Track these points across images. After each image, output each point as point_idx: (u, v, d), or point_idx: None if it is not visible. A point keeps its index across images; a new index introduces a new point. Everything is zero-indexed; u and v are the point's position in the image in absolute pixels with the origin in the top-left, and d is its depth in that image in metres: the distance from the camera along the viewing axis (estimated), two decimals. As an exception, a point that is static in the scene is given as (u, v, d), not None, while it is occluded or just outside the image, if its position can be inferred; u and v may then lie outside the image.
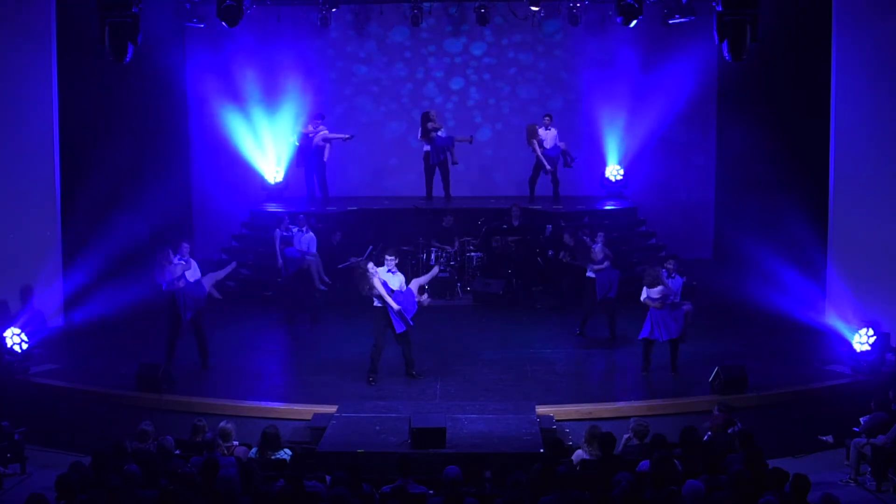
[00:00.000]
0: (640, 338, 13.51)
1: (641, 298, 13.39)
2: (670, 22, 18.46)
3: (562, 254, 16.30)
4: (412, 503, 9.24)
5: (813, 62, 15.92)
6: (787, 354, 14.45)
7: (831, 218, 15.30)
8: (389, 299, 12.94)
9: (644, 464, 9.61)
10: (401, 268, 13.56)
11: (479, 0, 19.13)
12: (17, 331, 13.99)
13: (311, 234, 16.29)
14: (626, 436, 10.82)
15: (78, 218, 15.94)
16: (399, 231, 17.81)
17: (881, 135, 14.65)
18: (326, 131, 19.14)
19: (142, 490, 8.97)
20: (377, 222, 18.66)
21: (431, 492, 9.39)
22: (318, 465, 10.55)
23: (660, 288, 13.22)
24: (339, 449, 10.96)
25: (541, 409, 12.17)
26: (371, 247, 16.15)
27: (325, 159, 19.15)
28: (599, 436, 10.19)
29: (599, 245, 14.91)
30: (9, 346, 13.84)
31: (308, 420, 12.13)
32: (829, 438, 12.28)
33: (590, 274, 14.85)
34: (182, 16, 18.59)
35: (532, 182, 19.43)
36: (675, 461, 9.61)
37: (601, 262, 14.78)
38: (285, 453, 10.53)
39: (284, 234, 16.27)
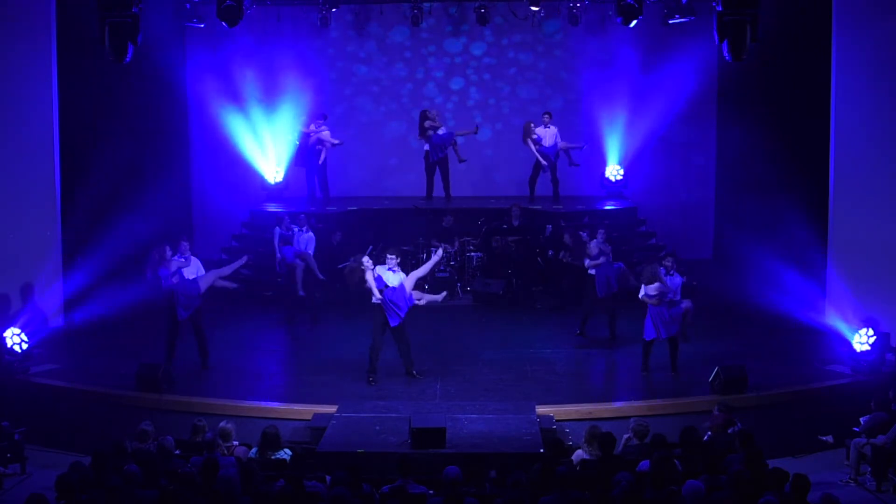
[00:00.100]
0: (645, 338, 13.49)
1: (640, 296, 13.40)
2: (670, 22, 18.45)
3: (562, 254, 16.31)
4: (412, 503, 9.24)
5: (813, 62, 15.92)
6: (787, 354, 14.45)
7: (831, 218, 15.29)
8: (375, 290, 12.95)
9: (644, 464, 9.61)
10: (402, 268, 13.56)
11: (479, 0, 19.14)
12: (17, 331, 13.99)
13: (311, 233, 16.31)
14: (626, 436, 10.82)
15: (78, 218, 15.93)
16: (399, 231, 17.80)
17: (881, 135, 14.65)
18: (328, 132, 19.15)
19: (142, 490, 8.97)
20: (377, 222, 18.66)
21: (431, 492, 9.39)
22: (318, 465, 10.55)
23: (656, 285, 13.23)
24: (339, 449, 10.96)
25: (541, 409, 12.17)
26: (371, 247, 16.17)
27: (320, 161, 19.17)
28: (599, 436, 10.19)
29: (595, 241, 14.93)
30: (9, 346, 13.85)
31: (308, 420, 12.13)
32: (829, 438, 12.28)
33: (591, 271, 14.86)
34: (182, 16, 18.58)
35: (532, 182, 19.43)
36: (675, 461, 9.61)
37: (596, 258, 14.78)
38: (285, 453, 10.53)
39: (285, 233, 16.29)
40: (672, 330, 13.33)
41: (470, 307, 17.36)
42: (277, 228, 16.40)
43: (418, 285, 14.21)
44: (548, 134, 19.07)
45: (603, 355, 14.79)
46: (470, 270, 17.96)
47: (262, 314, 16.71)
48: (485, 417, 11.86)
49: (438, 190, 19.69)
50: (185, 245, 13.72)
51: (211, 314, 14.33)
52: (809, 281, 15.65)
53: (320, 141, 19.08)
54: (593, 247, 14.86)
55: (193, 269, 13.66)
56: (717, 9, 12.03)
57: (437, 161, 19.39)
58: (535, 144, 18.96)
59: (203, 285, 13.63)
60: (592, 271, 14.83)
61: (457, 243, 17.91)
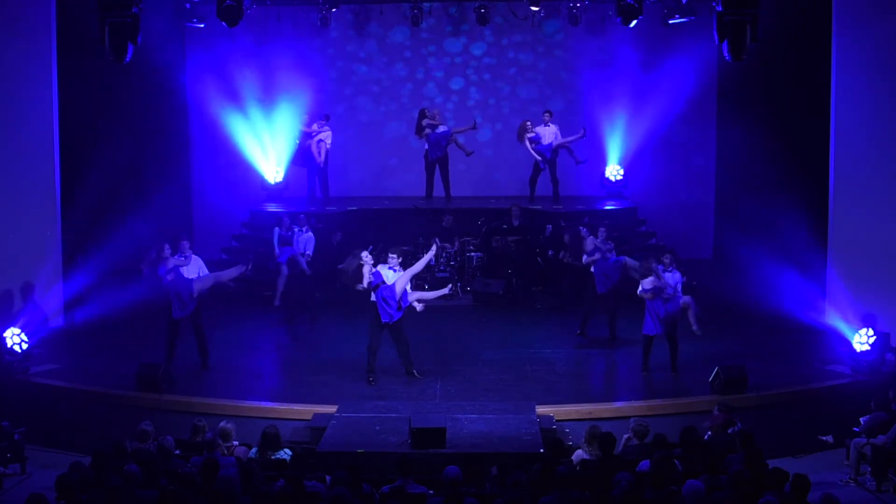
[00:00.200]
0: (644, 333, 13.48)
1: (638, 291, 13.41)
2: (670, 22, 18.45)
3: (562, 254, 16.31)
4: (412, 503, 9.24)
5: (813, 62, 15.92)
6: (787, 354, 14.44)
7: (831, 218, 15.30)
8: (364, 283, 12.97)
9: (644, 464, 9.61)
10: (403, 268, 13.56)
11: (479, 0, 19.14)
12: (18, 331, 13.99)
13: (311, 233, 16.32)
14: (626, 436, 10.82)
15: (78, 218, 15.94)
16: (399, 231, 17.80)
17: (881, 135, 14.66)
18: (329, 133, 19.15)
19: (142, 490, 8.97)
20: (377, 222, 18.66)
21: (431, 492, 9.39)
22: (318, 465, 10.54)
23: (651, 279, 13.24)
24: (339, 449, 10.96)
25: (541, 409, 12.17)
26: (371, 247, 16.13)
27: (319, 160, 19.18)
28: (599, 436, 10.19)
29: (591, 237, 14.97)
30: (9, 346, 13.85)
31: (308, 420, 12.12)
32: (829, 438, 12.28)
33: (593, 269, 14.90)
34: (182, 16, 18.57)
35: (532, 182, 19.43)
36: (676, 461, 9.61)
37: (592, 254, 14.80)
38: (285, 453, 10.52)
39: (284, 233, 16.29)
40: (668, 326, 13.31)
41: (470, 307, 17.35)
42: (277, 229, 16.42)
43: (418, 286, 14.23)
44: (547, 132, 19.07)
45: (603, 355, 14.79)
46: (470, 270, 17.96)
47: (262, 314, 16.70)
48: (485, 417, 11.86)
49: (438, 190, 19.70)
50: (186, 244, 13.71)
51: (211, 314, 14.33)
52: (809, 281, 15.65)
53: (321, 141, 19.08)
54: (588, 243, 14.92)
55: (194, 269, 13.64)
56: (717, 9, 12.03)
57: (436, 160, 19.40)
58: (531, 143, 18.97)
59: (197, 287, 13.49)
60: (593, 269, 14.86)
61: (457, 243, 17.91)
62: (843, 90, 14.94)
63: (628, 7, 13.96)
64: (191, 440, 10.79)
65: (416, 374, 13.48)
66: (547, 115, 19.22)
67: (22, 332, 14.01)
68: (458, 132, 19.45)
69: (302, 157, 19.51)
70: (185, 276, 13.49)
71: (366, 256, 13.14)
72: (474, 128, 19.66)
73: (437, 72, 21.12)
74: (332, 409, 12.15)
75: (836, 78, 14.98)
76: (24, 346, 13.92)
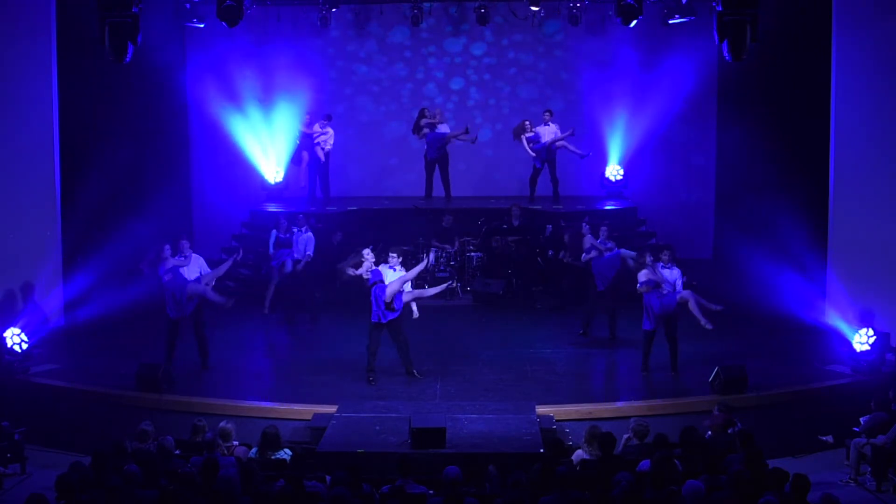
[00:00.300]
0: (643, 328, 13.47)
1: (637, 287, 13.42)
2: (670, 22, 18.45)
3: (562, 254, 16.32)
4: (412, 503, 9.24)
5: (813, 62, 15.92)
6: (787, 354, 14.45)
7: (831, 218, 15.30)
8: (360, 271, 13.04)
9: (644, 464, 9.61)
10: (404, 267, 13.58)
11: (479, 0, 19.14)
12: (18, 331, 13.99)
13: (310, 233, 16.31)
14: (626, 436, 10.82)
15: (78, 218, 15.93)
16: (399, 231, 17.80)
17: (881, 135, 14.65)
18: (331, 133, 19.14)
19: (142, 490, 8.97)
20: (377, 222, 18.66)
21: (431, 492, 9.39)
22: (318, 465, 10.55)
23: (645, 271, 13.26)
24: (339, 449, 10.96)
25: (541, 409, 12.17)
26: (371, 246, 16.13)
27: (321, 160, 19.19)
28: (599, 436, 10.19)
29: (589, 236, 14.99)
30: (9, 345, 13.84)
31: (308, 420, 12.12)
32: (829, 438, 12.28)
33: (592, 268, 14.94)
34: (182, 16, 18.56)
35: (532, 182, 19.42)
36: (676, 461, 9.61)
37: (588, 252, 14.83)
38: (285, 453, 10.52)
39: (282, 236, 16.25)
40: (665, 322, 13.28)
41: (470, 307, 17.35)
42: (274, 231, 16.37)
43: (418, 285, 14.21)
44: (547, 132, 19.06)
45: (603, 355, 14.79)
46: (470, 270, 17.96)
47: (262, 314, 16.69)
48: (485, 417, 11.86)
49: (438, 190, 19.70)
50: (185, 244, 13.71)
51: (211, 314, 14.32)
52: (809, 281, 15.65)
53: (318, 144, 19.08)
54: (586, 241, 14.98)
55: (195, 268, 13.63)
56: (717, 9, 12.03)
57: (434, 160, 19.40)
58: (529, 143, 18.97)
59: (192, 289, 13.39)
60: (592, 267, 14.89)
61: (457, 243, 17.91)
62: (843, 90, 14.94)
63: (628, 7, 13.95)
64: (191, 440, 10.79)
65: (416, 374, 13.48)
66: (547, 114, 19.22)
67: (22, 332, 14.01)
68: (454, 136, 19.41)
69: (300, 157, 19.51)
70: (185, 275, 13.48)
71: (367, 254, 13.17)
72: (466, 133, 19.45)
73: (438, 72, 21.12)
74: (332, 409, 12.14)
75: (836, 78, 14.98)
76: (24, 346, 13.92)
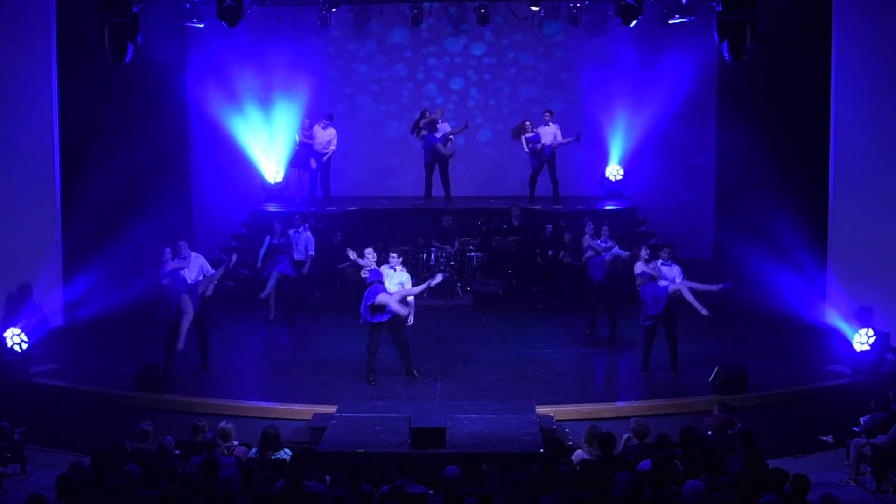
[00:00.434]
0: (641, 324, 13.48)
1: (636, 284, 13.45)
2: (670, 22, 18.46)
3: (562, 254, 16.32)
4: (412, 503, 9.24)
5: (813, 62, 15.92)
6: (787, 354, 14.45)
7: (831, 218, 15.30)
8: (361, 262, 13.07)
9: (644, 464, 9.61)
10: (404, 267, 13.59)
11: (479, 0, 19.14)
12: (17, 331, 13.99)
13: (309, 233, 16.30)
14: (626, 436, 10.82)
15: (78, 218, 15.93)
16: (399, 231, 17.80)
17: (881, 135, 14.66)
18: (334, 133, 19.13)
19: (142, 490, 8.97)
20: (377, 222, 18.66)
21: (431, 492, 9.39)
22: (318, 465, 10.54)
23: (639, 263, 13.34)
24: (339, 449, 10.95)
25: (541, 409, 12.17)
26: (371, 247, 16.13)
27: (324, 160, 19.20)
28: (599, 436, 10.19)
29: (588, 236, 15.04)
30: (9, 346, 13.85)
31: (308, 420, 12.12)
32: (829, 438, 12.27)
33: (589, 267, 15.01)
34: (182, 16, 18.57)
35: (532, 182, 19.43)
36: (676, 461, 9.61)
37: (585, 251, 14.95)
38: (285, 453, 10.52)
39: (276, 241, 16.08)
40: (661, 314, 13.24)
41: (470, 307, 17.36)
42: (268, 237, 16.18)
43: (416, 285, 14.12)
44: (547, 132, 19.07)
45: (603, 355, 14.79)
46: (470, 270, 17.96)
47: (262, 314, 16.67)
48: (485, 417, 11.86)
49: (438, 190, 19.70)
50: (183, 244, 13.69)
51: (211, 314, 14.30)
52: (809, 281, 15.65)
53: (317, 152, 19.10)
54: (585, 240, 15.07)
55: (195, 267, 13.62)
56: (717, 9, 12.02)
57: (430, 161, 19.41)
58: (528, 143, 18.97)
59: (186, 298, 13.30)
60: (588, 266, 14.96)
61: (457, 243, 17.91)
62: (843, 90, 14.94)
63: (628, 7, 13.95)
64: (191, 440, 10.79)
65: (416, 374, 13.48)
66: (548, 114, 19.22)
67: (22, 332, 14.01)
68: (452, 133, 19.42)
69: (300, 159, 19.51)
70: (186, 277, 13.47)
71: (369, 253, 13.19)
72: (467, 127, 19.54)
73: (438, 72, 21.12)
74: (332, 409, 12.14)
75: (836, 78, 14.98)
76: (24, 346, 13.92)
